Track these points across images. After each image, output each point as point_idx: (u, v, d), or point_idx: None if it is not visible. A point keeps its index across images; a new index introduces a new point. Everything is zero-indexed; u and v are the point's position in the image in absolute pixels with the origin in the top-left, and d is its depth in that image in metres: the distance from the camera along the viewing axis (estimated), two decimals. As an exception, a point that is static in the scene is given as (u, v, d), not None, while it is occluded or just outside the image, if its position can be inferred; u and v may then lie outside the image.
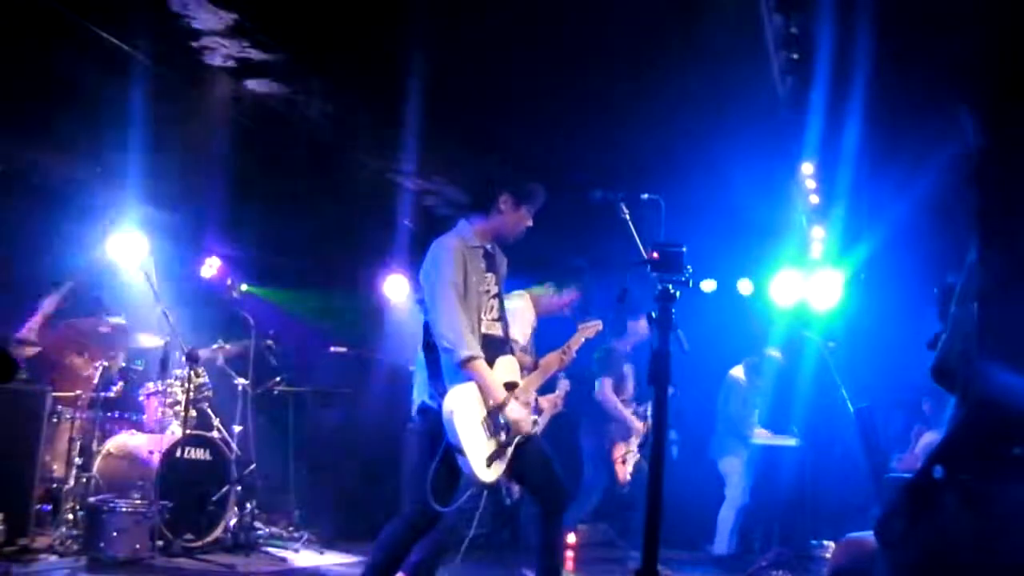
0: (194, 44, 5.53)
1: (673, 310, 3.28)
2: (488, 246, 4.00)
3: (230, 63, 5.80)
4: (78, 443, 5.81)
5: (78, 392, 6.08)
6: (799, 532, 7.16)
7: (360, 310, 8.96)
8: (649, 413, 6.91)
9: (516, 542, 6.95)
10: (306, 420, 7.67)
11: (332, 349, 8.11)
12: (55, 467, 5.90)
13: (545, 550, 3.92)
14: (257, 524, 6.48)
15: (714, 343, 6.96)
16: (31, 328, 6.30)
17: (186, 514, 5.80)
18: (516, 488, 4.96)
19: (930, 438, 6.65)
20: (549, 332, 5.24)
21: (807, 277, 8.00)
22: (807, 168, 6.95)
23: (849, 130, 5.84)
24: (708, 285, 8.59)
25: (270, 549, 6.23)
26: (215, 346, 6.65)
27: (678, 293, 3.31)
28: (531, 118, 6.39)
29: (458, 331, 3.68)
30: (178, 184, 7.17)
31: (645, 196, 3.67)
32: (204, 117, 6.41)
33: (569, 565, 6.99)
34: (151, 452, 5.82)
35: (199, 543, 5.79)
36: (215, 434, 6.30)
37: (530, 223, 4.06)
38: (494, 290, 3.97)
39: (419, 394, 3.88)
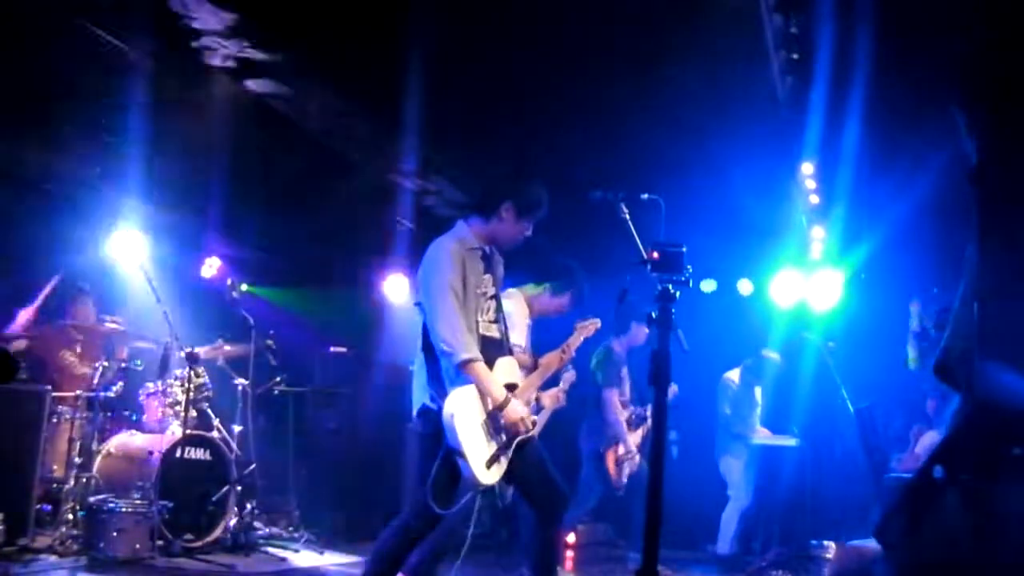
0: (194, 44, 5.52)
1: (673, 310, 3.28)
2: (486, 248, 3.99)
3: (230, 63, 5.80)
4: (78, 443, 5.81)
5: (78, 392, 6.08)
6: (799, 532, 7.16)
7: (360, 310, 8.96)
8: (649, 414, 6.90)
9: (514, 542, 6.95)
10: (306, 420, 7.67)
11: (332, 349, 8.11)
12: (55, 467, 5.90)
13: (540, 553, 3.91)
14: (257, 524, 6.49)
15: (714, 343, 6.96)
16: (19, 323, 6.32)
17: (186, 514, 5.80)
18: (509, 491, 4.96)
19: (931, 438, 6.65)
20: (548, 331, 5.24)
21: (807, 277, 8.00)
22: (807, 168, 6.95)
23: (849, 130, 5.84)
24: (708, 285, 8.59)
25: (270, 549, 6.23)
26: (215, 346, 6.65)
27: (678, 293, 3.32)
28: (531, 118, 6.39)
29: (456, 334, 3.67)
30: (178, 184, 7.17)
31: (645, 196, 3.67)
32: (204, 117, 6.41)
33: (569, 565, 6.99)
34: (151, 452, 5.82)
35: (199, 543, 5.79)
36: (215, 434, 6.30)
37: (529, 233, 4.04)
38: (491, 292, 3.96)
39: (419, 396, 3.86)
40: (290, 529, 6.81)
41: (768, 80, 5.71)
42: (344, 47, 5.65)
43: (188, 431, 6.01)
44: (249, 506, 6.32)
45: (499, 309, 4.01)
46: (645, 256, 3.42)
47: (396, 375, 7.89)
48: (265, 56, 5.72)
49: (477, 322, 3.82)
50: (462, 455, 3.61)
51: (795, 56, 5.42)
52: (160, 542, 5.52)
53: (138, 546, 5.35)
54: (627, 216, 3.66)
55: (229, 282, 6.87)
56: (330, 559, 6.31)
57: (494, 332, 3.93)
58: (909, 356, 6.83)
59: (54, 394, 5.82)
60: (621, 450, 6.71)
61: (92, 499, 5.56)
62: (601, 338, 6.75)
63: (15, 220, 6.79)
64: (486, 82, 5.95)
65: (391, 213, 8.26)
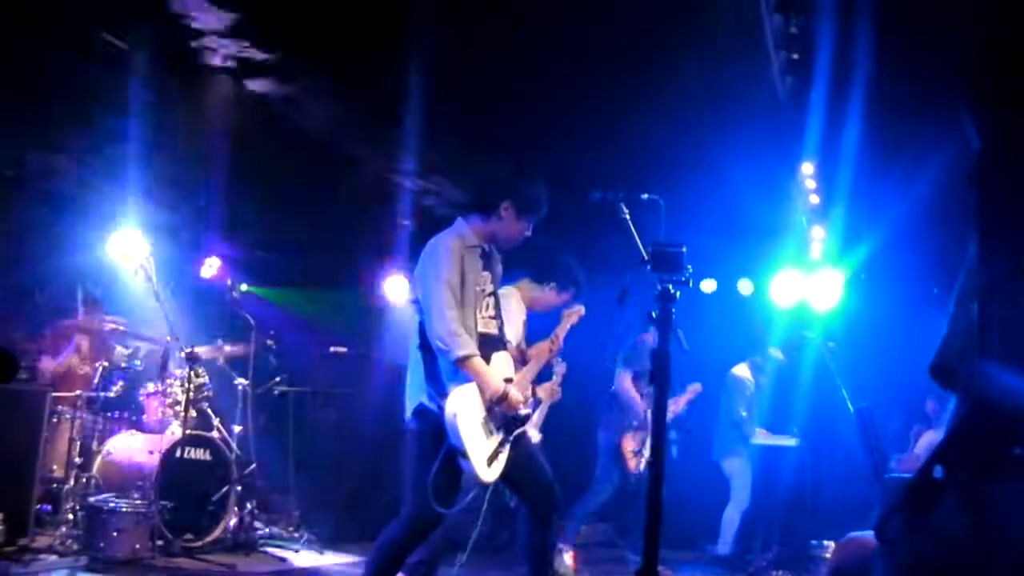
0: (194, 44, 5.52)
1: (673, 310, 3.28)
2: (485, 246, 3.99)
3: (230, 63, 5.80)
4: (78, 443, 5.81)
5: (78, 392, 6.08)
6: (799, 532, 7.16)
7: (360, 310, 8.96)
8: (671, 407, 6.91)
9: (516, 542, 6.95)
10: (306, 420, 7.67)
11: (332, 349, 8.11)
12: (55, 467, 5.89)
13: (536, 553, 3.91)
14: (257, 524, 6.48)
15: (714, 343, 6.96)
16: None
17: (186, 514, 5.80)
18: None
19: (930, 438, 6.65)
20: (536, 320, 5.24)
21: (807, 277, 8.00)
22: (807, 168, 6.95)
23: (849, 130, 5.84)
24: (708, 285, 8.59)
25: (270, 549, 6.23)
26: (215, 346, 6.65)
27: (678, 293, 3.31)
28: (531, 118, 6.39)
29: (452, 331, 3.66)
30: (178, 184, 7.17)
31: (645, 196, 3.67)
32: (204, 117, 6.41)
33: (570, 566, 6.98)
34: (151, 452, 5.82)
35: (199, 543, 5.79)
36: (215, 434, 6.30)
37: (528, 233, 4.04)
38: (489, 289, 3.97)
39: (415, 395, 3.84)
40: (290, 529, 6.80)
41: (768, 80, 5.71)
42: (344, 47, 5.65)
43: (188, 431, 6.01)
44: (249, 506, 6.32)
45: (497, 306, 4.02)
46: (645, 256, 3.42)
47: (396, 375, 7.84)
48: (265, 56, 5.72)
49: (476, 319, 3.82)
50: (465, 454, 3.61)
51: (795, 56, 5.42)
52: (160, 542, 5.52)
53: (138, 546, 5.35)
54: (627, 216, 3.66)
55: (229, 282, 6.87)
56: (330, 559, 6.31)
57: (492, 329, 3.94)
58: None
59: (54, 394, 5.82)
60: (637, 439, 6.71)
61: (92, 499, 5.56)
62: (633, 331, 6.80)
63: (15, 220, 6.79)
64: (486, 82, 5.96)
65: (391, 213, 8.27)
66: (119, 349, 6.46)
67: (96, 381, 6.07)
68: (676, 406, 7.22)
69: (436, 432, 3.68)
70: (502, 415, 3.79)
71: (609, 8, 5.10)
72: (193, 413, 6.17)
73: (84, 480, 5.71)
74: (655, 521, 3.13)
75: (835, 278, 7.85)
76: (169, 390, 6.31)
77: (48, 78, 5.78)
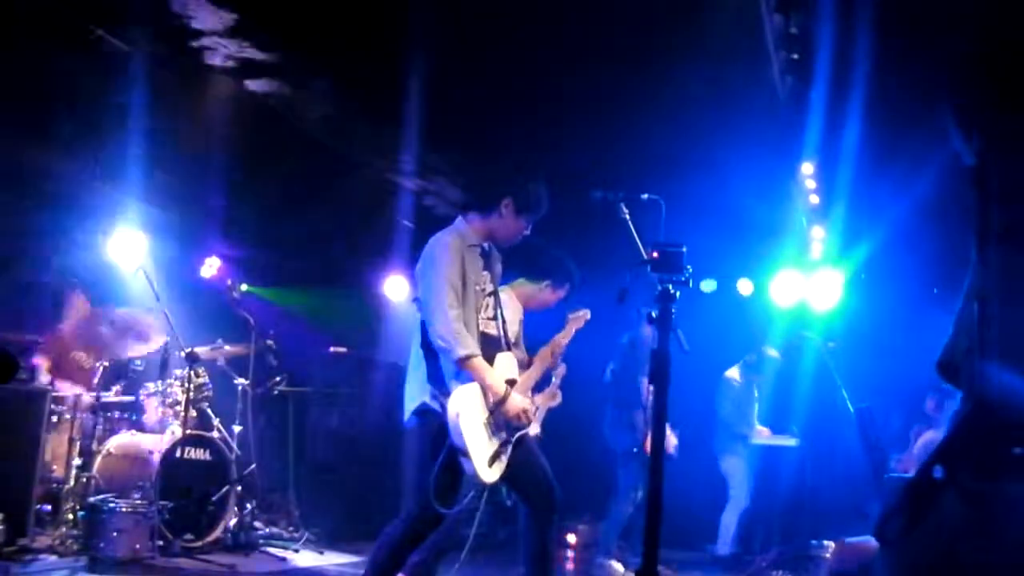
0: (194, 44, 5.53)
1: (673, 310, 3.28)
2: (485, 245, 3.97)
3: (230, 63, 5.80)
4: (78, 443, 5.81)
5: (78, 392, 6.08)
6: (799, 532, 7.15)
7: (360, 310, 8.96)
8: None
9: (515, 542, 6.94)
10: (306, 420, 7.67)
11: (332, 349, 8.11)
12: (55, 467, 5.89)
13: (536, 555, 3.89)
14: (257, 524, 6.48)
15: (714, 343, 6.96)
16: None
17: (186, 514, 5.80)
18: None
19: (929, 437, 6.65)
20: (538, 323, 5.23)
21: (807, 277, 8.00)
22: (807, 168, 6.96)
23: (849, 130, 5.84)
24: (708, 285, 8.59)
25: (270, 549, 6.23)
26: (215, 346, 6.65)
27: (678, 293, 3.32)
28: (531, 118, 6.39)
29: (454, 330, 3.63)
30: (178, 184, 7.17)
31: (645, 196, 3.67)
32: (204, 117, 6.41)
33: (570, 565, 6.99)
34: (151, 452, 5.82)
35: (199, 543, 5.79)
36: (215, 434, 6.30)
37: (527, 232, 4.01)
38: (490, 288, 3.94)
39: (416, 395, 3.82)
40: (290, 529, 6.80)
41: (768, 80, 5.71)
42: (344, 47, 5.65)
43: (188, 431, 6.01)
44: (249, 506, 6.31)
45: (497, 306, 3.99)
46: (645, 256, 3.42)
47: (396, 375, 7.86)
48: (265, 56, 5.72)
49: (477, 319, 3.80)
50: (466, 454, 3.59)
51: (795, 56, 5.42)
52: (160, 542, 5.51)
53: (138, 546, 5.35)
54: (627, 216, 3.66)
55: (229, 282, 6.87)
56: (330, 559, 6.31)
57: (492, 329, 3.91)
58: None
59: (54, 394, 5.82)
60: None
61: (92, 499, 5.55)
62: (628, 327, 6.75)
63: (15, 220, 6.79)
64: (486, 82, 5.96)
65: (391, 213, 8.27)
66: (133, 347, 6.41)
67: (96, 379, 6.07)
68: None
69: (438, 432, 3.65)
70: (506, 414, 3.77)
71: (609, 8, 5.11)
72: (193, 413, 6.17)
73: (84, 480, 5.71)
74: (655, 521, 3.13)
75: (835, 278, 7.86)
76: (169, 390, 6.31)
77: (48, 78, 5.78)
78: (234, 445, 6.35)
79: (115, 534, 5.30)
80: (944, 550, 1.70)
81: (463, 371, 3.66)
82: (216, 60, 5.75)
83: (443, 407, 3.65)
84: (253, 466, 6.47)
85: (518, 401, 3.76)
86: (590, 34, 5.40)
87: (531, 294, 5.11)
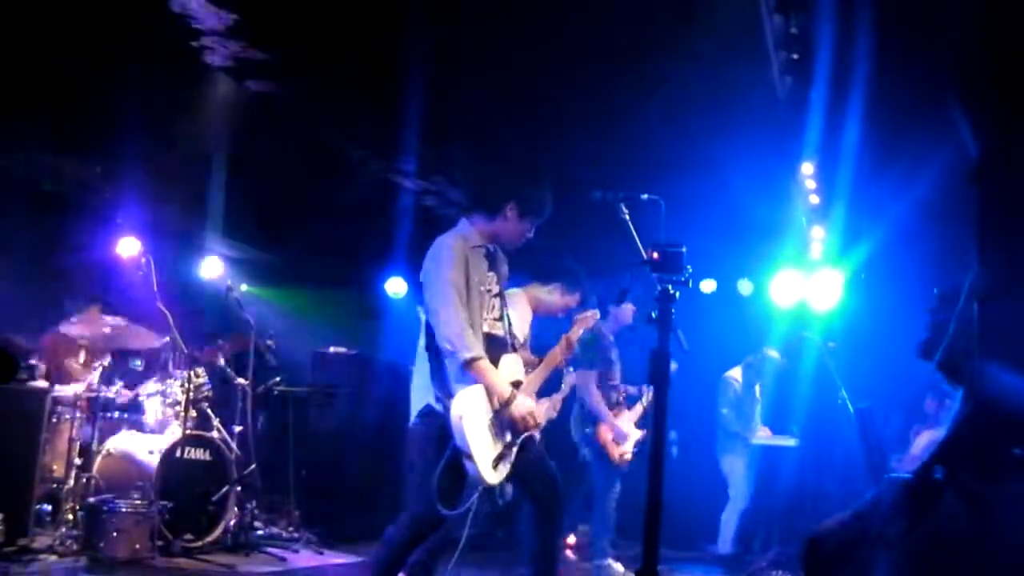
0: (194, 44, 5.52)
1: (673, 310, 3.28)
2: (490, 247, 3.97)
3: (230, 63, 5.80)
4: (78, 443, 5.80)
5: (78, 392, 6.08)
6: (799, 532, 7.15)
7: (360, 310, 8.96)
8: (644, 398, 6.91)
9: (512, 542, 6.94)
10: (306, 420, 7.67)
11: (332, 349, 8.11)
12: (55, 467, 5.89)
13: (540, 555, 3.89)
14: (257, 524, 6.48)
15: (714, 343, 6.96)
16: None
17: (186, 514, 5.80)
18: (509, 489, 4.94)
19: (929, 437, 6.64)
20: (544, 324, 5.22)
21: (807, 277, 8.00)
22: (807, 168, 6.95)
23: (849, 130, 5.84)
24: (708, 285, 8.59)
25: (270, 549, 6.23)
26: (215, 346, 6.65)
27: (678, 293, 3.32)
28: (531, 118, 6.39)
29: (459, 332, 3.63)
30: (178, 184, 7.17)
31: (645, 196, 3.67)
32: (204, 117, 6.41)
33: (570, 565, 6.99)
34: (151, 452, 5.82)
35: (199, 543, 5.79)
36: (215, 434, 6.30)
37: (531, 235, 4.02)
38: (495, 289, 3.95)
39: (421, 396, 3.83)
40: (290, 529, 6.80)
41: (768, 80, 5.71)
42: (344, 47, 5.65)
43: (188, 431, 6.01)
44: (249, 506, 6.31)
45: (503, 307, 4.00)
46: (645, 256, 3.42)
47: (396, 375, 7.88)
48: (265, 56, 5.72)
49: (482, 320, 3.80)
50: (470, 456, 3.58)
51: (795, 56, 5.42)
52: (160, 542, 5.51)
53: (138, 546, 5.35)
54: (627, 216, 3.66)
55: (229, 282, 6.87)
56: (330, 559, 6.32)
57: (498, 330, 3.91)
58: None
59: (54, 394, 5.82)
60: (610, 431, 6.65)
61: (92, 499, 5.55)
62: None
63: (15, 220, 6.79)
64: (486, 82, 5.96)
65: (391, 213, 8.27)
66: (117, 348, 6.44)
67: (96, 381, 6.07)
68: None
69: (441, 433, 3.65)
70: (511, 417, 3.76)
71: (609, 8, 5.11)
72: (193, 413, 6.17)
73: (84, 480, 5.70)
74: (655, 521, 3.13)
75: (835, 278, 7.86)
76: (169, 390, 6.31)
77: (48, 78, 5.78)
78: (234, 445, 6.35)
79: (115, 534, 5.30)
80: (944, 550, 1.70)
81: (468, 373, 3.65)
82: (216, 60, 5.75)
83: (446, 409, 3.65)
84: (253, 466, 6.47)
85: (524, 404, 3.74)
86: (590, 34, 5.39)
87: (543, 298, 5.12)
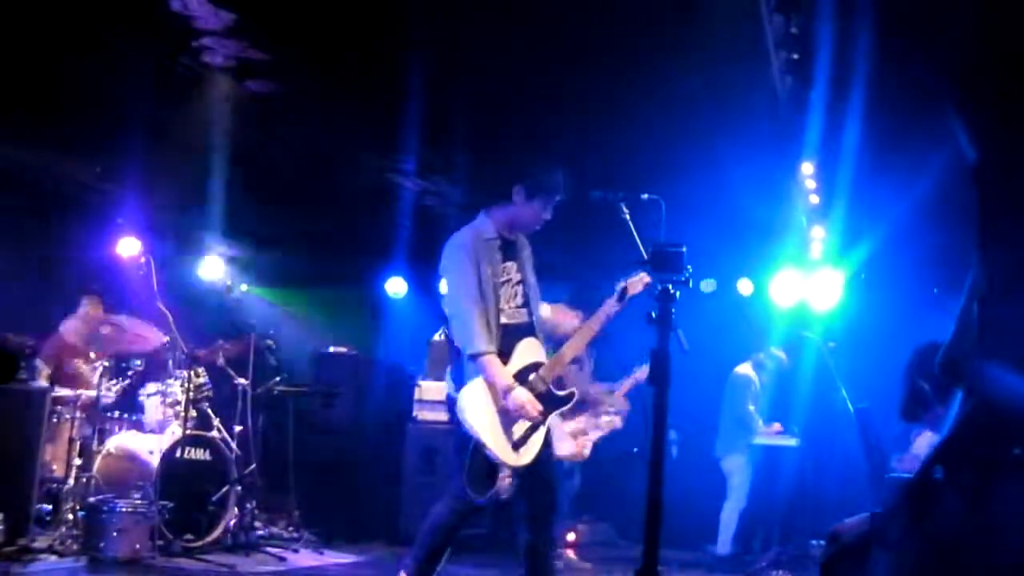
0: (194, 44, 5.52)
1: (673, 310, 3.28)
2: (507, 235, 4.06)
3: (230, 63, 5.80)
4: (78, 443, 5.81)
5: (78, 392, 6.08)
6: (799, 532, 7.17)
7: (360, 310, 8.96)
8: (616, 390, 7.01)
9: (513, 542, 6.94)
10: (306, 420, 7.67)
11: (332, 349, 8.11)
12: (55, 467, 5.89)
13: (533, 553, 3.95)
14: (257, 524, 6.48)
15: (714, 343, 6.96)
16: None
17: (186, 514, 5.80)
18: (507, 483, 4.96)
19: (927, 438, 6.64)
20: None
21: (807, 277, 8.00)
22: (807, 168, 6.95)
23: (849, 130, 5.83)
24: (708, 285, 8.58)
25: (270, 549, 6.23)
26: (215, 346, 6.65)
27: (678, 293, 3.32)
28: (531, 117, 6.39)
29: (467, 328, 3.81)
30: (178, 184, 7.17)
31: (645, 196, 3.68)
32: (204, 117, 6.41)
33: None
34: (151, 452, 5.82)
35: (199, 543, 5.79)
36: (215, 434, 6.30)
37: (548, 215, 4.10)
38: (516, 277, 4.04)
39: (450, 388, 4.02)
40: (290, 529, 6.81)
41: (768, 80, 5.71)
42: (344, 47, 5.65)
43: (188, 431, 6.01)
44: (249, 506, 6.31)
45: (527, 294, 4.07)
46: (645, 256, 3.42)
47: (396, 375, 7.89)
48: (265, 56, 5.72)
49: (500, 311, 3.92)
50: (483, 444, 3.73)
51: (795, 56, 5.42)
52: (160, 542, 5.52)
53: (138, 546, 5.35)
54: (627, 216, 3.67)
55: (229, 282, 6.87)
56: (330, 559, 6.32)
57: (520, 318, 4.01)
58: None
59: (54, 394, 5.82)
60: (580, 424, 6.70)
61: (92, 499, 5.56)
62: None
63: (16, 220, 6.79)
64: (486, 82, 5.96)
65: (391, 213, 8.27)
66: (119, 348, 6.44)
67: (95, 381, 6.07)
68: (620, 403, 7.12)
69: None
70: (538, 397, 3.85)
71: (609, 8, 5.10)
72: (193, 413, 6.17)
73: (84, 480, 5.71)
74: (655, 521, 3.13)
75: (835, 278, 7.86)
76: (169, 390, 6.31)
77: (48, 78, 5.78)
78: (234, 445, 6.35)
79: (115, 534, 5.31)
80: (944, 550, 1.70)
81: (476, 366, 3.81)
82: (216, 60, 5.75)
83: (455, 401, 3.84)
84: (253, 466, 6.47)
85: (519, 395, 3.82)
86: (590, 34, 5.39)
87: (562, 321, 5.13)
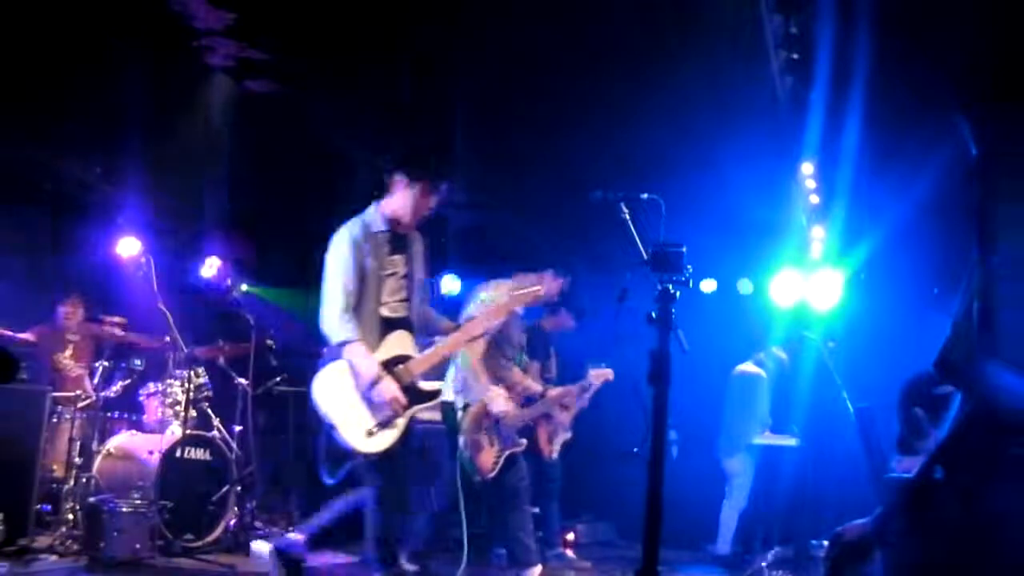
0: (194, 44, 5.53)
1: (673, 310, 3.28)
2: (397, 229, 4.13)
3: (230, 63, 5.80)
4: (78, 443, 5.81)
5: (78, 392, 6.08)
6: (799, 532, 7.15)
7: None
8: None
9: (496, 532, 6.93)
10: (306, 420, 7.66)
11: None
12: (55, 467, 5.89)
13: (380, 537, 4.13)
14: (257, 524, 6.48)
15: (714, 343, 6.96)
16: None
17: (186, 514, 5.80)
18: (487, 466, 4.99)
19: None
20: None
21: (807, 277, 8.00)
22: (807, 168, 6.95)
23: (849, 130, 5.84)
24: (708, 285, 8.58)
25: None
26: (215, 346, 6.65)
27: (678, 293, 3.32)
28: (532, 118, 6.39)
29: (335, 316, 3.97)
30: (178, 184, 7.17)
31: (645, 196, 3.68)
32: (204, 117, 6.41)
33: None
34: (151, 452, 5.82)
35: (199, 543, 5.79)
36: (215, 434, 6.30)
37: (433, 201, 4.15)
38: (402, 271, 4.11)
39: None
40: (290, 529, 6.79)
41: (768, 80, 5.71)
42: (344, 47, 5.66)
43: (188, 431, 6.01)
44: (249, 506, 6.31)
45: (410, 287, 4.14)
46: (645, 256, 3.43)
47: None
48: (265, 56, 5.72)
49: (384, 303, 4.03)
50: (333, 426, 3.91)
51: (795, 56, 5.42)
52: (160, 542, 5.51)
53: (138, 546, 5.35)
54: (627, 216, 3.67)
55: (229, 282, 6.86)
56: (330, 559, 6.31)
57: (400, 312, 4.10)
58: None
59: (54, 394, 5.82)
60: (549, 426, 6.71)
61: (92, 499, 5.55)
62: (534, 315, 6.84)
63: (16, 220, 6.79)
64: (486, 82, 5.96)
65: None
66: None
67: (86, 383, 6.08)
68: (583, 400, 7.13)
69: None
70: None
71: (610, 9, 5.11)
72: (193, 413, 6.17)
73: (84, 480, 5.71)
74: (655, 521, 3.13)
75: (835, 278, 7.85)
76: (169, 390, 6.31)
77: (48, 78, 5.78)
78: (234, 445, 6.35)
79: (115, 534, 5.30)
80: (944, 550, 1.70)
81: (341, 354, 3.95)
82: (216, 60, 5.76)
83: None
84: (253, 466, 6.46)
85: (387, 388, 3.93)
86: (591, 34, 5.40)
87: (516, 289, 5.16)
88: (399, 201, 4.11)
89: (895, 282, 7.69)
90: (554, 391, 6.74)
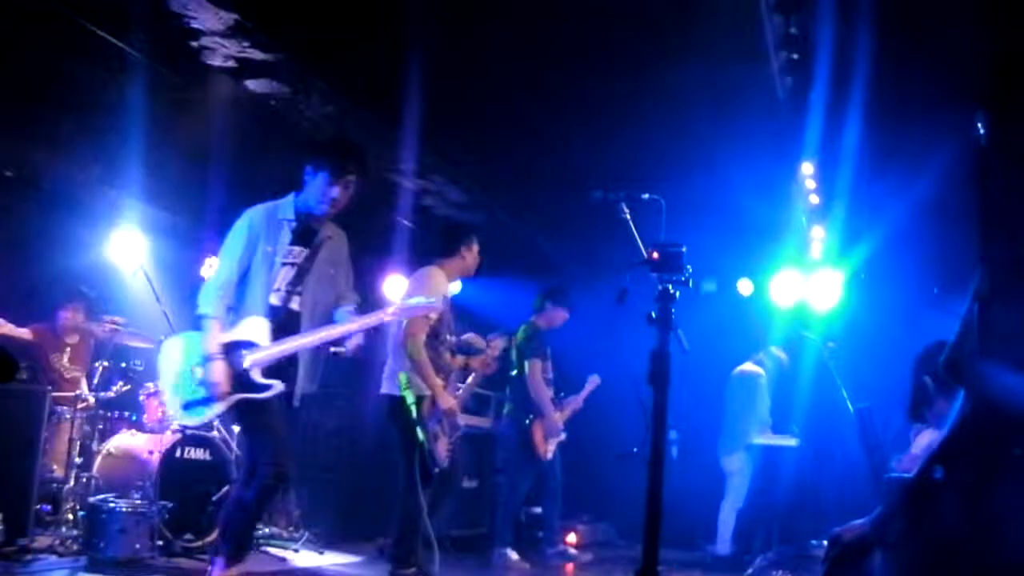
0: (194, 44, 5.52)
1: (673, 310, 3.29)
2: (311, 222, 4.19)
3: (230, 63, 5.80)
4: (78, 443, 5.81)
5: (78, 392, 6.08)
6: (799, 532, 7.16)
7: (360, 310, 8.93)
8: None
9: (519, 544, 6.96)
10: (306, 420, 7.66)
11: (332, 349, 8.09)
12: (55, 467, 5.89)
13: (234, 508, 4.08)
14: (257, 524, 6.47)
15: (714, 343, 6.96)
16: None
17: (186, 514, 5.79)
18: (443, 455, 5.03)
19: (927, 438, 6.63)
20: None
21: (807, 277, 8.00)
22: (807, 168, 6.96)
23: (849, 130, 5.84)
24: (708, 285, 8.58)
25: (270, 549, 6.23)
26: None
27: (678, 293, 3.32)
28: (531, 118, 6.39)
29: (208, 290, 4.05)
30: (177, 184, 7.17)
31: (645, 196, 3.68)
32: (204, 117, 6.41)
33: (570, 566, 7.00)
34: (151, 452, 5.82)
35: (199, 543, 5.78)
36: (215, 434, 6.29)
37: (336, 191, 4.17)
38: (300, 263, 4.17)
39: None
40: (290, 529, 6.80)
41: (768, 80, 5.71)
42: (343, 47, 5.65)
43: (188, 431, 6.00)
44: (249, 506, 6.30)
45: (307, 281, 4.20)
46: (645, 256, 3.43)
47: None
48: (265, 56, 5.72)
49: (275, 290, 4.10)
50: (159, 387, 4.17)
51: (795, 56, 5.43)
52: (160, 542, 5.51)
53: (138, 546, 5.34)
54: (628, 216, 3.68)
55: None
56: (330, 559, 6.32)
57: (291, 303, 4.17)
58: None
59: (54, 394, 5.82)
60: (544, 426, 6.78)
61: (92, 499, 5.55)
62: (525, 315, 6.99)
63: (15, 220, 6.79)
64: (486, 82, 5.96)
65: (391, 213, 8.26)
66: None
67: (95, 381, 6.07)
68: (576, 404, 7.31)
69: None
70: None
71: (609, 8, 5.11)
72: (193, 413, 6.16)
73: (84, 480, 5.71)
74: (655, 521, 3.13)
75: (835, 278, 7.86)
76: (169, 390, 6.30)
77: (48, 78, 5.78)
78: (234, 445, 6.34)
79: (115, 534, 5.30)
80: (944, 550, 1.70)
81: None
82: (216, 60, 5.75)
83: None
84: (253, 466, 6.46)
85: (215, 369, 3.98)
86: (590, 34, 5.40)
87: (448, 264, 5.35)
88: (307, 192, 4.19)
89: (895, 282, 7.70)
90: (565, 411, 6.89)
